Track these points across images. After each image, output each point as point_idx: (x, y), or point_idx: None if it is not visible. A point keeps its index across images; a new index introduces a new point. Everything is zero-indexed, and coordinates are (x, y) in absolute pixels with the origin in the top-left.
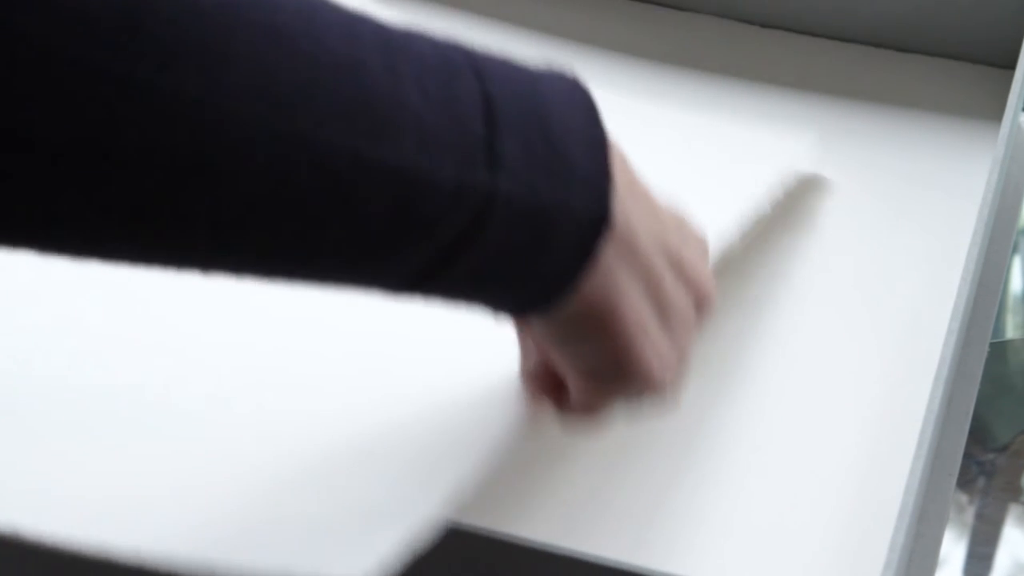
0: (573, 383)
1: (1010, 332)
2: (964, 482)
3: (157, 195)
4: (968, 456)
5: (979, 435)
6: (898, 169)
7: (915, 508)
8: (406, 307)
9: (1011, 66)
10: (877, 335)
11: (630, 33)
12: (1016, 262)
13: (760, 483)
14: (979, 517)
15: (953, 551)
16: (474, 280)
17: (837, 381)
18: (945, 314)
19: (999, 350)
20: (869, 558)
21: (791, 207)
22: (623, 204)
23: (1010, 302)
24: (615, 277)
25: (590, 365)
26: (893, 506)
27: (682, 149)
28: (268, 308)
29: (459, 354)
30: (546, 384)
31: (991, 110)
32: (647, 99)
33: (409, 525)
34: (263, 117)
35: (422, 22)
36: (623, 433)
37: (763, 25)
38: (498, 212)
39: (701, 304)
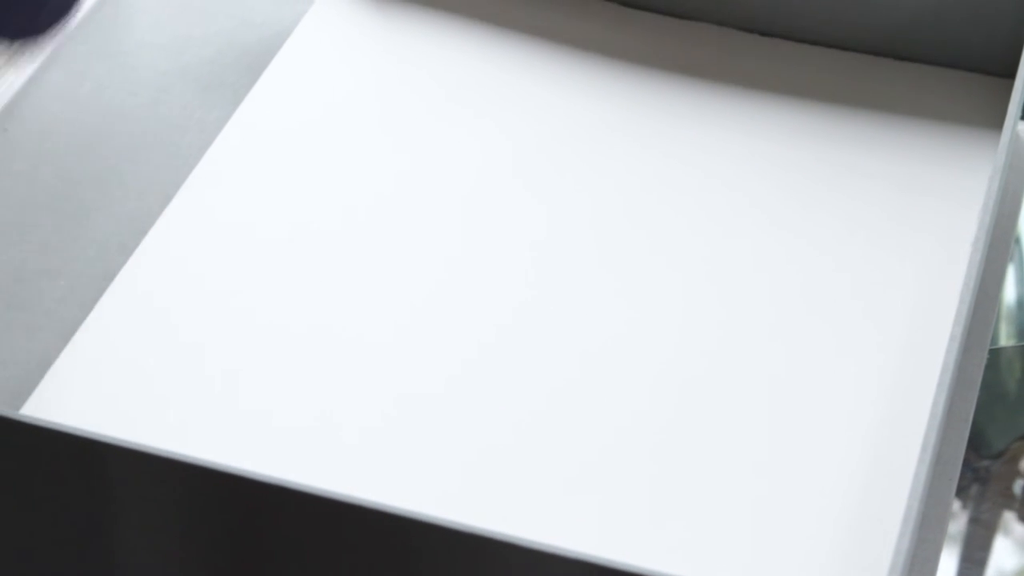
0: None
1: (1004, 340)
2: (958, 488)
3: None
4: (963, 463)
5: (974, 442)
6: (898, 177)
7: (919, 513)
8: None
9: (1011, 75)
10: (878, 342)
11: (629, 41)
12: (1009, 271)
13: (764, 488)
14: (974, 522)
15: (946, 556)
16: None
17: (839, 387)
18: (944, 321)
19: (993, 358)
20: (873, 562)
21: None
22: None
23: (1004, 310)
24: None
25: None
26: (896, 511)
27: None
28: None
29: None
30: None
31: (991, 119)
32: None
33: None
34: None
35: (423, 30)
36: (624, 434)
37: (763, 33)
38: None
39: None
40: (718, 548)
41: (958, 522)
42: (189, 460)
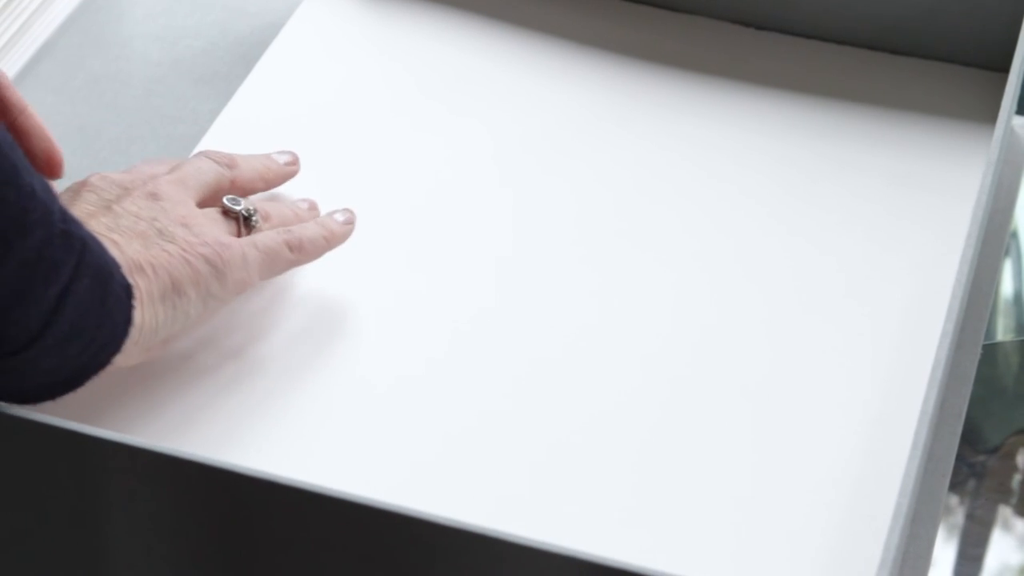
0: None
1: (1001, 334)
2: (954, 484)
3: None
4: (959, 458)
5: (970, 437)
6: (892, 171)
7: (909, 509)
8: None
9: (1005, 69)
10: (871, 337)
11: (626, 35)
12: (1006, 265)
13: (756, 484)
14: (970, 518)
15: (943, 552)
16: (71, 333)
17: (832, 382)
18: (939, 316)
19: (990, 352)
20: (864, 558)
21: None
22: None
23: (1001, 305)
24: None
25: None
26: (887, 507)
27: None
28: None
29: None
30: None
31: (985, 113)
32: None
33: None
34: None
35: (417, 21)
36: (613, 429)
37: (758, 27)
38: (87, 258)
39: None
40: (708, 544)
41: (955, 518)
42: (183, 455)
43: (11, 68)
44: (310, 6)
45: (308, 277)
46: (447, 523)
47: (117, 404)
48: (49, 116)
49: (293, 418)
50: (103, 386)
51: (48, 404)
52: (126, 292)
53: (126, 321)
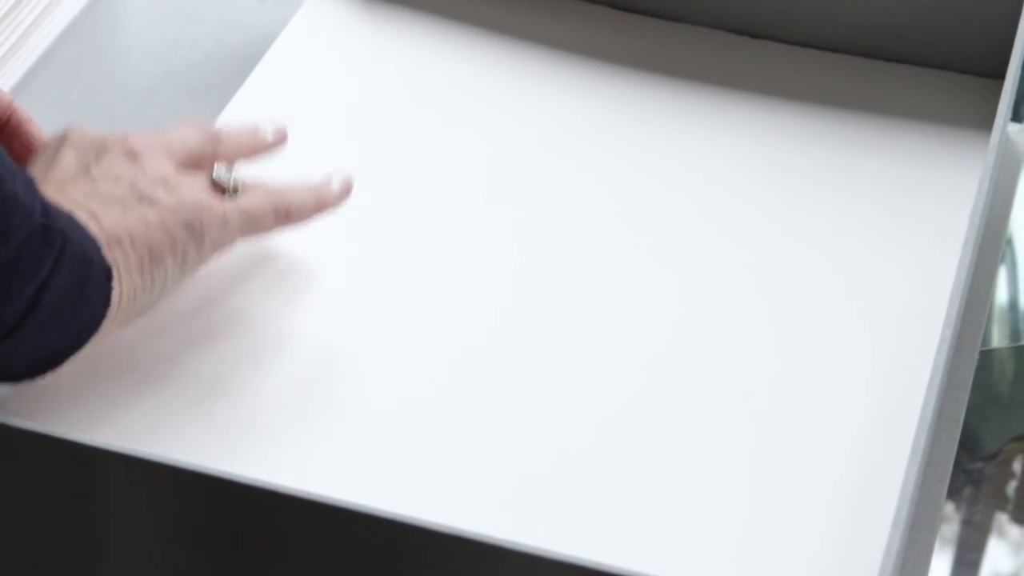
0: None
1: (996, 341)
2: (951, 490)
3: None
4: (956, 465)
5: (967, 444)
6: (889, 178)
7: (909, 515)
8: None
9: (1000, 76)
10: (870, 343)
11: (622, 44)
12: (1002, 272)
13: (755, 490)
14: (967, 524)
15: (939, 558)
16: (49, 323)
17: (831, 389)
18: (936, 322)
19: (986, 359)
20: (863, 564)
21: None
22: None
23: (996, 311)
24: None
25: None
26: (886, 512)
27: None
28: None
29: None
30: None
31: (981, 120)
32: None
33: None
34: None
35: (410, 33)
36: (614, 434)
37: (754, 36)
38: (67, 249)
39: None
40: (706, 550)
41: (951, 524)
42: (184, 465)
43: (8, 81)
44: (304, 18)
45: (310, 288)
46: (448, 531)
47: (116, 424)
48: (45, 128)
49: (297, 431)
50: (104, 403)
51: (36, 416)
52: (105, 276)
53: (104, 304)
